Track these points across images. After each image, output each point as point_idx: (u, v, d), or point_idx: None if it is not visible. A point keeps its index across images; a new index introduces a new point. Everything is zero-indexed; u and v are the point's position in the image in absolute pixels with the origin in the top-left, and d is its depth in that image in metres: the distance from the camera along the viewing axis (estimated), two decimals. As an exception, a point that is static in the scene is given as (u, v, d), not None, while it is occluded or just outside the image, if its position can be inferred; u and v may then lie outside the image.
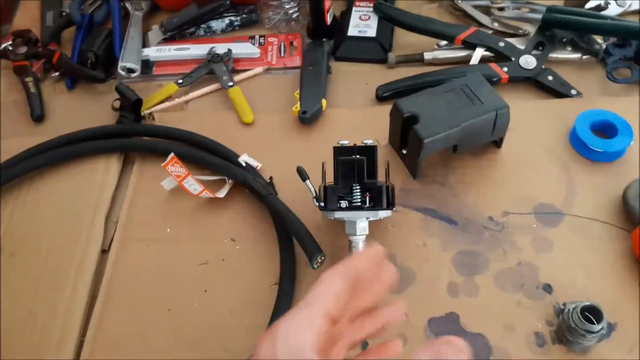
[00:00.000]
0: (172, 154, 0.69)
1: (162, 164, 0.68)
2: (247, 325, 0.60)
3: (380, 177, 0.63)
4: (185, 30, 0.92)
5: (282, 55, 0.88)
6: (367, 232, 0.60)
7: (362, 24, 0.87)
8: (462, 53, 0.83)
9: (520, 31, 0.85)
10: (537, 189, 0.67)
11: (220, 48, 0.87)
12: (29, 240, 0.69)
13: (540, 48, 0.81)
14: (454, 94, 0.67)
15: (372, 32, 0.85)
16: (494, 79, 0.77)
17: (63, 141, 0.77)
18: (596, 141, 0.69)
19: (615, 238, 0.63)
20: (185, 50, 0.89)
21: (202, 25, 0.93)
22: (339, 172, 0.61)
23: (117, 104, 0.81)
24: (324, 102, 0.77)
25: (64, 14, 0.97)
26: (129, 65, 0.86)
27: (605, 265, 0.61)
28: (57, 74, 0.88)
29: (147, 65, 0.88)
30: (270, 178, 0.71)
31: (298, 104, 0.77)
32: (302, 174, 0.61)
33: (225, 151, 0.74)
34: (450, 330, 0.58)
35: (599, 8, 0.86)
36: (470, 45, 0.82)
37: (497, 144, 0.71)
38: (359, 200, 0.60)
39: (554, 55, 0.81)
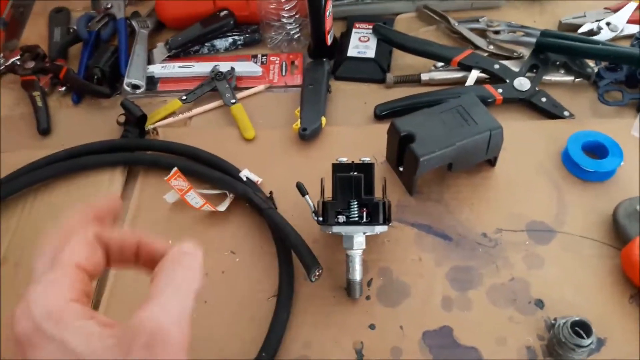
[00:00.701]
0: (175, 168, 0.70)
1: (165, 178, 0.70)
2: (245, 337, 0.61)
3: (377, 193, 0.65)
4: (189, 48, 0.95)
5: (284, 73, 0.90)
6: (364, 246, 0.62)
7: (362, 45, 0.89)
8: (458, 74, 0.85)
9: (514, 54, 0.88)
10: (529, 207, 0.69)
11: (224, 66, 0.89)
12: (32, 252, 0.70)
13: (534, 70, 0.84)
14: (450, 114, 0.69)
15: (371, 53, 0.88)
16: (489, 100, 0.80)
17: (68, 154, 0.78)
18: (587, 161, 0.71)
19: (605, 255, 0.64)
20: (189, 68, 0.91)
21: (206, 44, 0.95)
22: (337, 188, 0.63)
23: (122, 119, 0.83)
24: (323, 119, 0.79)
25: (71, 30, 0.99)
26: (134, 81, 0.88)
27: (595, 282, 0.63)
28: (63, 88, 0.90)
29: (151, 82, 0.91)
30: (270, 193, 0.73)
31: (298, 121, 0.79)
32: (302, 189, 0.63)
33: (226, 166, 0.76)
34: (443, 343, 0.59)
35: (591, 33, 0.89)
36: (466, 67, 0.85)
37: (491, 162, 0.73)
38: (357, 215, 0.61)
39: (547, 77, 0.83)
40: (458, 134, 0.67)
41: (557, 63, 0.84)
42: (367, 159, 0.64)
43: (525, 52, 0.87)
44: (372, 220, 0.61)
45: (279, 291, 0.63)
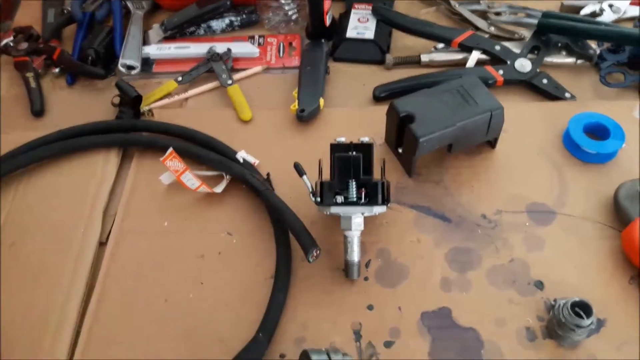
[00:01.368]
0: (170, 149, 0.69)
1: (161, 159, 0.69)
2: (243, 317, 0.60)
3: (376, 175, 0.64)
4: (185, 29, 0.93)
5: (281, 55, 0.89)
6: (362, 227, 0.61)
7: (361, 26, 0.88)
8: (459, 56, 0.84)
9: (516, 35, 0.86)
10: (530, 188, 0.69)
11: (220, 47, 0.88)
12: (28, 231, 0.69)
13: (536, 52, 0.83)
14: (450, 94, 0.68)
15: (370, 34, 0.87)
16: (490, 82, 0.79)
17: (63, 135, 0.77)
18: (589, 143, 0.70)
19: (606, 237, 0.64)
20: (185, 49, 0.90)
21: (202, 25, 0.94)
22: (336, 169, 0.62)
23: (117, 100, 0.82)
24: (321, 101, 0.78)
25: (65, 11, 0.98)
26: (129, 62, 0.87)
27: (596, 263, 0.62)
28: (57, 70, 0.89)
29: (146, 63, 0.89)
30: (268, 174, 0.72)
31: (296, 103, 0.78)
32: (299, 170, 0.62)
33: (223, 147, 0.75)
34: (442, 324, 0.59)
35: (593, 14, 0.87)
36: (466, 49, 0.83)
37: (492, 144, 0.72)
38: (355, 196, 0.61)
39: (548, 59, 0.82)
40: (459, 115, 0.66)
41: (559, 44, 0.83)
42: (366, 139, 0.63)
43: (527, 34, 0.86)
44: (371, 201, 0.61)
45: (277, 272, 0.63)
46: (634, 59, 0.80)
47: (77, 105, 0.85)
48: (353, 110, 0.79)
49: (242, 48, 0.89)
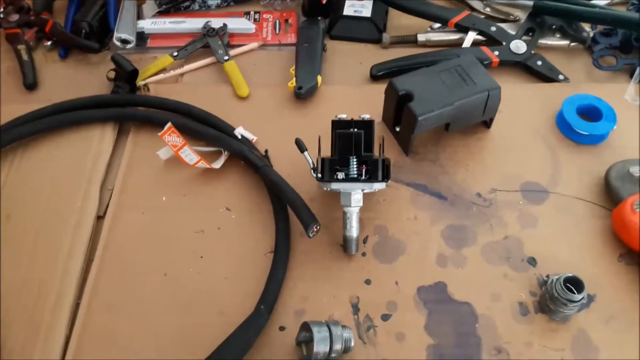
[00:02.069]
0: (169, 124, 0.69)
1: (159, 133, 0.68)
2: (242, 291, 0.61)
3: (375, 153, 0.64)
4: (180, 4, 0.92)
5: (277, 32, 0.89)
6: (361, 203, 0.62)
7: (358, 3, 0.88)
8: (455, 36, 0.85)
9: (511, 17, 0.87)
10: (524, 168, 0.70)
11: (216, 22, 0.87)
12: (24, 204, 0.69)
13: (531, 34, 0.84)
14: (448, 74, 0.69)
15: (367, 12, 0.87)
16: (485, 62, 0.79)
17: (57, 109, 0.76)
18: (582, 124, 0.71)
19: (597, 216, 0.66)
20: (180, 24, 0.89)
21: (197, 0, 0.93)
22: (337, 145, 0.62)
23: (112, 74, 0.81)
24: (319, 78, 0.78)
25: (56, -17, 0.96)
26: (124, 36, 0.86)
27: (587, 241, 0.64)
28: (49, 43, 0.88)
29: (141, 38, 0.88)
30: (266, 151, 0.72)
31: (293, 80, 0.78)
32: (301, 146, 0.62)
33: (220, 124, 0.75)
34: (438, 298, 0.60)
35: (587, -3, 0.88)
36: (462, 29, 0.84)
37: (487, 124, 0.74)
38: (356, 172, 0.61)
39: (543, 41, 0.83)
40: (457, 94, 0.66)
41: (554, 27, 0.84)
42: (367, 117, 0.63)
43: (522, 15, 0.86)
44: (371, 178, 0.61)
45: (276, 247, 0.63)
46: (626, 42, 0.81)
47: (70, 79, 0.84)
48: (350, 88, 0.80)
49: (238, 24, 0.88)
